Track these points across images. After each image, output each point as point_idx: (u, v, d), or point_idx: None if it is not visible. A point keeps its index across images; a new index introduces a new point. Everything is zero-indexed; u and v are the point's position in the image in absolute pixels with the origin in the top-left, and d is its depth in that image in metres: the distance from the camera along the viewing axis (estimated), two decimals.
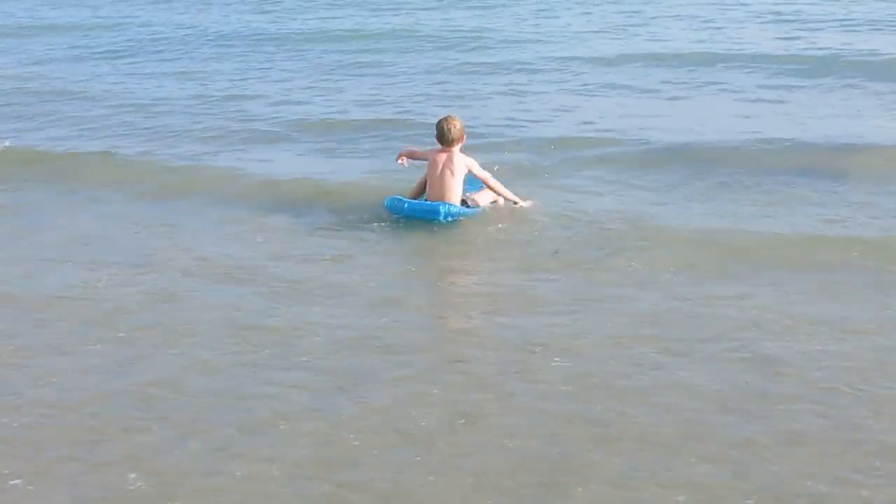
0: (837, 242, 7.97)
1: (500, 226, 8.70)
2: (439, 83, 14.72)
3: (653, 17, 19.71)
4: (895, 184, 9.38)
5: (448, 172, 8.83)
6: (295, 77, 15.73)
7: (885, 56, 14.79)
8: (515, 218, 8.82)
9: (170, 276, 7.76)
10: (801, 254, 7.77)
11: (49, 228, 9.18)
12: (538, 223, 8.65)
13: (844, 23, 17.84)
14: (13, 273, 8.03)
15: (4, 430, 5.57)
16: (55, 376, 6.17)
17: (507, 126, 12.03)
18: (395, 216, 8.84)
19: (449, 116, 9.03)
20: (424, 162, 9.12)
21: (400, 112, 12.97)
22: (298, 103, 13.74)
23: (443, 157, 8.90)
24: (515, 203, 8.98)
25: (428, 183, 8.98)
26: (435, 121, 9.12)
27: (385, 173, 10.01)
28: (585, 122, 12.09)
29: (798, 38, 16.74)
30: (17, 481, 5.08)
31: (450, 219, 8.74)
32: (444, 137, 8.92)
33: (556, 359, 6.16)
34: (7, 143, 12.01)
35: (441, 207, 8.70)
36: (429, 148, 9.21)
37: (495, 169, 9.30)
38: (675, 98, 13.35)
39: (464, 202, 8.91)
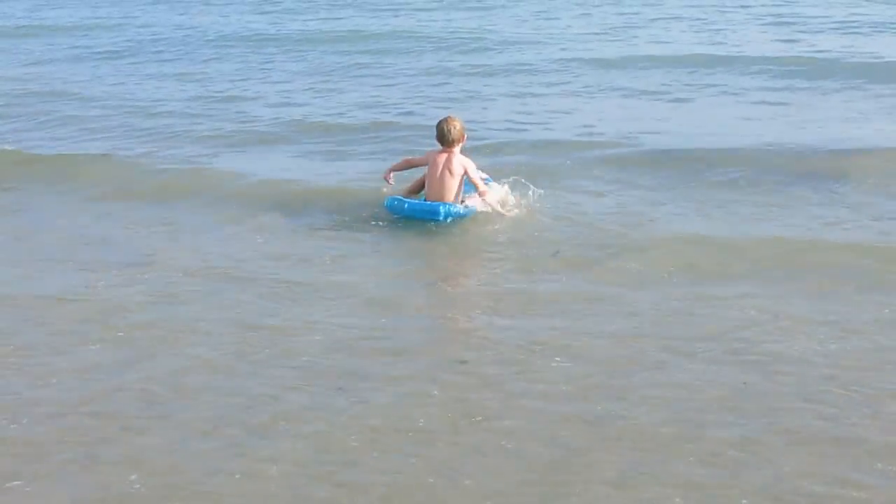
0: (837, 244, 8.00)
1: (500, 226, 8.71)
2: (439, 85, 14.73)
3: (653, 20, 19.76)
4: (895, 186, 9.39)
5: (447, 173, 8.83)
6: (295, 78, 15.74)
7: (886, 59, 14.84)
8: (516, 218, 8.82)
9: (170, 277, 7.76)
10: (800, 255, 7.79)
11: (49, 229, 9.17)
12: (538, 223, 8.65)
13: (845, 26, 17.90)
14: (13, 273, 8.02)
15: (4, 430, 5.57)
16: (55, 376, 6.17)
17: (507, 128, 12.04)
18: (395, 216, 8.84)
19: (449, 117, 9.03)
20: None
21: (400, 113, 12.97)
22: (298, 104, 13.75)
23: (443, 157, 8.89)
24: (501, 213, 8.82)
25: (427, 183, 8.98)
26: (435, 122, 9.12)
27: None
28: (585, 124, 12.09)
29: (798, 40, 16.79)
30: (16, 482, 5.07)
31: (450, 219, 8.74)
32: (444, 138, 8.91)
33: (557, 359, 6.17)
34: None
35: (441, 208, 8.70)
36: (428, 149, 9.23)
37: (511, 179, 9.24)
38: (675, 100, 13.36)
39: (462, 203, 8.91)
